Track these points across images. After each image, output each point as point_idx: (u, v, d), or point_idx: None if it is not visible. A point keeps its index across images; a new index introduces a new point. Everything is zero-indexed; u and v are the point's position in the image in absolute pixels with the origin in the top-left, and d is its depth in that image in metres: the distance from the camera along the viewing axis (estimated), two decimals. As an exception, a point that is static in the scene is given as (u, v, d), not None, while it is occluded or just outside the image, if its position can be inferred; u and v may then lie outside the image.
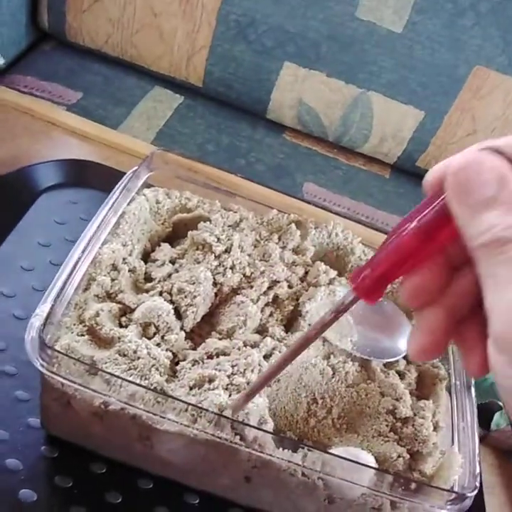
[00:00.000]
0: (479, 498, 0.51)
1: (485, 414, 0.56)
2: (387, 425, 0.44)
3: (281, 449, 0.37)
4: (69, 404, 0.39)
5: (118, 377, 0.36)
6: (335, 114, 0.80)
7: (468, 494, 0.38)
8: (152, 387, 0.37)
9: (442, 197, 0.25)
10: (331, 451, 0.40)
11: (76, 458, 0.43)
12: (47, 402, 0.40)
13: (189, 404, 0.36)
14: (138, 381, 0.38)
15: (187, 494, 0.45)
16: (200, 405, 0.36)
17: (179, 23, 0.76)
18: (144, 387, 0.36)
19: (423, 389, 0.47)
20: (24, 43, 0.81)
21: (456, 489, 0.39)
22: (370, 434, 0.44)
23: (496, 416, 0.56)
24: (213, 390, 0.38)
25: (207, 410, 0.36)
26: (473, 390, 0.44)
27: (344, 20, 0.73)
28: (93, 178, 0.63)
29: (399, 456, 0.41)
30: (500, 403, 0.56)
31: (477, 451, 0.40)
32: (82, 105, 0.75)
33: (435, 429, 0.44)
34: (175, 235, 0.52)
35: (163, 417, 0.36)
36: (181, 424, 0.36)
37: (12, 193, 0.59)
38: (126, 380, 0.36)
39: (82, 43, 0.80)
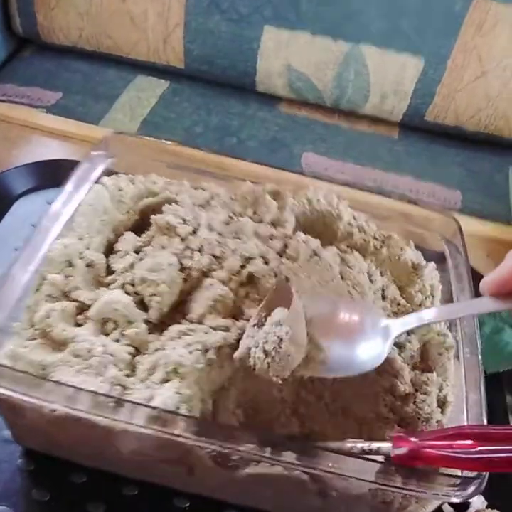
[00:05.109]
0: None
1: (514, 382, 0.49)
2: (385, 405, 0.39)
3: (258, 444, 0.33)
4: (25, 415, 0.36)
5: (53, 381, 0.33)
6: (327, 76, 0.74)
7: (477, 477, 0.32)
8: (102, 387, 0.34)
9: None
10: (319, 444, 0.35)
11: (54, 469, 0.41)
12: (4, 413, 0.38)
13: (130, 402, 0.32)
14: (91, 379, 0.35)
15: (176, 498, 0.41)
16: (146, 401, 0.33)
17: (148, 4, 0.72)
18: (75, 387, 0.33)
19: (429, 360, 0.42)
20: (2, 53, 0.79)
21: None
22: (369, 416, 0.39)
23: (530, 384, 0.50)
24: (166, 381, 0.34)
25: (143, 405, 0.32)
26: (480, 358, 0.38)
27: (321, -30, 0.67)
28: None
29: (399, 440, 0.36)
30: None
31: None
32: (61, 105, 0.72)
33: (443, 404, 0.39)
34: (144, 222, 0.48)
35: (108, 417, 0.32)
36: (130, 423, 0.32)
37: (-14, 201, 0.57)
38: (63, 384, 0.33)
39: (58, 41, 0.78)
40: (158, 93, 0.77)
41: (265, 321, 0.36)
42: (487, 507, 0.43)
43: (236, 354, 0.36)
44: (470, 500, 0.43)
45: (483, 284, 0.35)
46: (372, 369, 0.37)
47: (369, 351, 0.36)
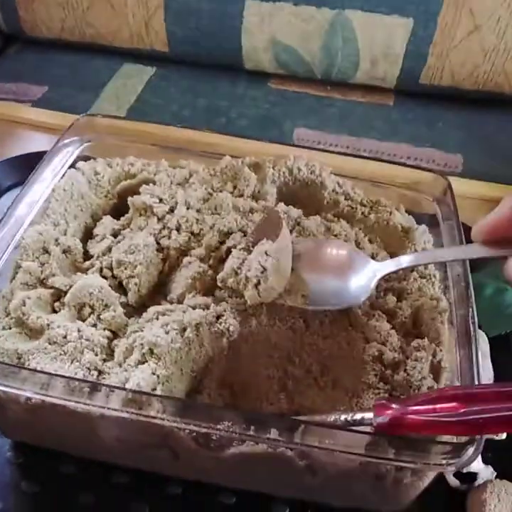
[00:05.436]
0: None
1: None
2: (375, 375, 0.37)
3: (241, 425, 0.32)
4: (4, 406, 0.35)
5: (26, 369, 0.32)
6: (314, 46, 0.72)
7: (469, 445, 0.30)
8: (77, 373, 0.33)
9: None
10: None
11: (43, 461, 0.40)
12: (-15, 405, 0.37)
13: (104, 385, 0.31)
14: (67, 365, 0.34)
15: (169, 485, 0.40)
16: (121, 384, 0.31)
17: (126, -13, 0.71)
18: (48, 374, 0.32)
19: (422, 326, 0.39)
20: (-13, 52, 0.79)
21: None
22: (359, 388, 0.37)
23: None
24: (142, 362, 0.33)
25: (116, 388, 0.31)
26: (474, 320, 0.36)
27: None
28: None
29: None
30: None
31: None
32: (47, 98, 0.72)
33: (437, 371, 0.37)
34: (124, 206, 0.47)
35: (81, 402, 0.31)
36: (103, 407, 0.31)
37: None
38: (36, 371, 0.32)
39: (41, 35, 0.77)
40: (145, 79, 0.76)
41: (252, 247, 0.36)
42: (496, 477, 0.41)
43: (219, 275, 0.37)
44: (477, 471, 0.41)
45: (475, 230, 0.34)
46: (355, 305, 0.37)
47: (353, 287, 0.37)
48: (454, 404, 0.27)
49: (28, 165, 0.59)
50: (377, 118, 0.75)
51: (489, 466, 0.42)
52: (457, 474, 0.41)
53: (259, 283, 0.35)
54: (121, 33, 0.75)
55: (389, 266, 0.38)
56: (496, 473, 0.41)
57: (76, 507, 0.39)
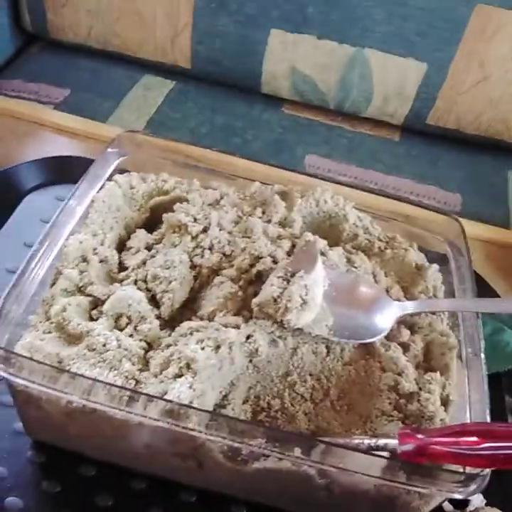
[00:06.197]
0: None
1: (512, 382, 0.51)
2: (390, 403, 0.40)
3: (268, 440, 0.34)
4: (40, 406, 0.37)
5: (73, 373, 0.33)
6: (331, 79, 0.75)
7: (480, 473, 0.33)
8: (116, 381, 0.35)
9: None
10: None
11: (64, 462, 0.41)
12: (19, 405, 0.38)
13: (147, 395, 0.33)
14: (106, 373, 0.36)
15: (184, 492, 0.42)
16: (160, 396, 0.34)
17: (157, 4, 0.73)
18: (94, 380, 0.33)
19: (432, 360, 0.43)
20: (10, 49, 0.80)
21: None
22: (373, 414, 0.40)
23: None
24: (179, 376, 0.35)
25: (160, 398, 0.33)
26: (483, 357, 0.39)
27: (328, -25, 0.68)
28: (79, 173, 0.61)
29: (403, 436, 0.37)
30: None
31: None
32: (69, 102, 0.73)
33: (446, 403, 0.40)
34: (155, 220, 0.49)
35: (130, 412, 0.33)
36: (145, 416, 0.33)
37: (-5, 196, 0.58)
38: (82, 376, 0.34)
39: (66, 38, 0.79)
40: (165, 93, 0.78)
41: (290, 276, 0.39)
42: (486, 505, 0.44)
43: (256, 299, 0.39)
44: (470, 498, 0.44)
45: None
46: (373, 340, 0.41)
47: (375, 325, 0.40)
48: (475, 438, 0.30)
49: (50, 168, 0.62)
50: (383, 151, 0.79)
51: (480, 493, 0.45)
52: (451, 499, 0.44)
53: (297, 313, 0.38)
54: (146, 45, 0.77)
55: (409, 308, 0.42)
56: (485, 501, 0.45)
57: (94, 508, 0.40)
